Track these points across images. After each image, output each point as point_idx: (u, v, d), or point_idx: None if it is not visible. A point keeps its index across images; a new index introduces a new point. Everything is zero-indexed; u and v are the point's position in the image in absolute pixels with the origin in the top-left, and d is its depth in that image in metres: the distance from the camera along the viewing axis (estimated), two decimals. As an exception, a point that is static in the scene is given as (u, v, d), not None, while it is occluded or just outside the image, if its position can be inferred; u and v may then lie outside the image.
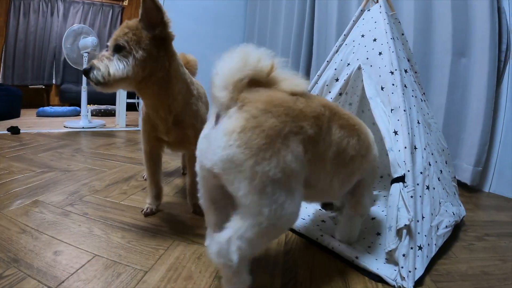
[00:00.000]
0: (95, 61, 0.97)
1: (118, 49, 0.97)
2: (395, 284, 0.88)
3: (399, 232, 0.93)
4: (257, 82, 0.69)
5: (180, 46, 3.86)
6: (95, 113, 4.85)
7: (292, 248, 1.07)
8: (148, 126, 1.16)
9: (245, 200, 0.63)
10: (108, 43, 1.00)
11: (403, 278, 0.87)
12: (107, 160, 2.10)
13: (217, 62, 0.69)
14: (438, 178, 1.21)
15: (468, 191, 1.98)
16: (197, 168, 0.74)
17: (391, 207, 0.97)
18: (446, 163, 1.40)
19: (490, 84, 1.92)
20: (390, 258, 0.96)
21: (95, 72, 0.96)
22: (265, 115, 0.64)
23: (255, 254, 0.84)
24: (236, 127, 0.62)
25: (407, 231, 0.92)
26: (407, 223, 0.91)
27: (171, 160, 2.15)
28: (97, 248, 0.99)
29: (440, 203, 1.17)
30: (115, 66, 0.96)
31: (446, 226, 1.14)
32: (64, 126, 3.54)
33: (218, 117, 0.68)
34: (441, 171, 1.28)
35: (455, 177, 1.47)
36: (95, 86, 0.99)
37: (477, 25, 1.96)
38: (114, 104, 4.11)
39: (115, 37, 0.98)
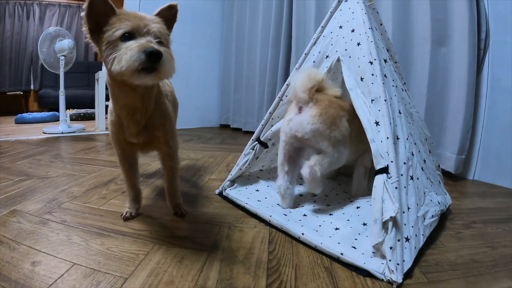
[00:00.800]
0: (155, 46, 0.84)
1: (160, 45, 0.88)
2: (383, 278, 0.86)
3: (385, 225, 0.91)
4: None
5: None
6: (75, 118, 4.74)
7: (275, 247, 1.04)
8: (117, 128, 1.09)
9: (326, 150, 1.13)
10: (143, 29, 0.87)
11: (391, 271, 0.85)
12: (87, 164, 2.04)
13: (292, 79, 1.23)
14: (422, 168, 1.20)
15: (453, 179, 1.99)
16: (283, 138, 1.24)
17: (376, 199, 0.95)
18: (429, 152, 1.40)
19: (470, 72, 1.93)
20: (377, 252, 0.93)
21: (167, 59, 0.85)
22: (329, 107, 1.14)
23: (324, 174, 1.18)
24: (317, 113, 1.13)
25: (393, 223, 0.90)
26: (393, 215, 0.88)
27: (151, 161, 2.10)
28: (76, 256, 0.94)
29: (424, 193, 1.16)
30: (173, 61, 0.89)
31: (432, 216, 1.13)
32: (43, 132, 3.45)
33: (300, 108, 1.18)
34: (424, 160, 1.27)
35: (439, 166, 1.46)
36: (152, 77, 0.86)
37: (456, 14, 1.96)
38: (94, 108, 4.02)
39: (158, 29, 0.90)
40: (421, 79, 2.12)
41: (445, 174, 1.99)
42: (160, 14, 0.98)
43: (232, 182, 1.51)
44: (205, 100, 3.94)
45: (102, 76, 3.58)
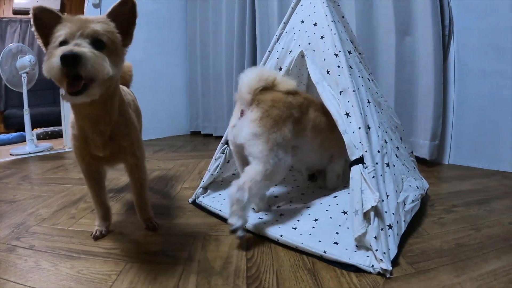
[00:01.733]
0: (76, 48, 0.75)
1: (98, 46, 0.80)
2: (372, 271, 0.83)
3: (366, 215, 0.89)
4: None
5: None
6: (42, 136, 4.56)
7: (254, 253, 0.99)
8: (80, 143, 1.02)
9: (260, 155, 1.02)
10: (76, 34, 0.79)
11: (380, 261, 0.83)
12: (55, 184, 1.94)
13: (241, 76, 1.11)
14: (396, 155, 1.20)
15: (428, 165, 1.99)
16: (231, 146, 1.22)
17: (354, 190, 0.92)
18: (401, 139, 1.40)
19: (437, 59, 1.94)
20: (360, 244, 0.90)
21: (87, 60, 0.74)
22: (273, 108, 1.05)
23: (261, 194, 1.18)
24: (257, 117, 1.04)
25: (374, 212, 0.88)
26: (374, 204, 0.87)
27: (120, 175, 2.01)
28: (45, 283, 0.87)
29: (402, 179, 1.15)
30: (105, 61, 0.80)
31: (413, 201, 1.12)
32: (10, 154, 3.29)
33: (242, 112, 1.11)
34: (397, 147, 1.27)
35: (412, 153, 1.47)
36: (69, 95, 0.77)
37: (418, 2, 1.98)
38: (61, 125, 3.87)
39: (94, 30, 0.81)
40: (388, 69, 2.12)
41: (420, 161, 1.99)
42: (113, 12, 0.91)
43: (205, 189, 1.45)
44: (174, 108, 3.86)
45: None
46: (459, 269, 0.84)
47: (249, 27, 3.00)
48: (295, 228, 1.05)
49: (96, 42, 0.80)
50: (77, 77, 0.76)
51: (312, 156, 1.27)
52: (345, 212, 1.11)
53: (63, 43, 0.78)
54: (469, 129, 1.99)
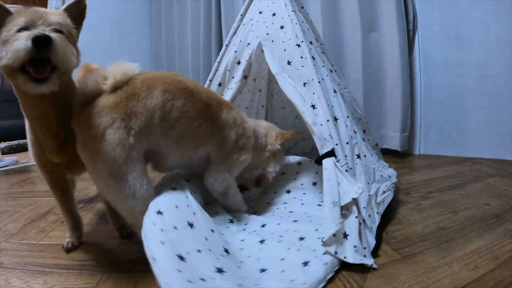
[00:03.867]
0: (47, 32, 0.71)
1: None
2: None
3: (342, 209, 0.84)
4: None
5: (83, 61, 3.56)
6: (7, 151, 4.36)
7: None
8: (37, 148, 0.95)
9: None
10: (38, 22, 0.75)
11: (364, 256, 0.80)
12: (22, 198, 1.84)
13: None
14: (364, 146, 1.17)
15: (400, 156, 2.03)
16: None
17: (330, 180, 0.87)
18: (364, 132, 1.37)
19: (402, 53, 1.99)
20: (328, 244, 0.82)
21: (58, 46, 0.71)
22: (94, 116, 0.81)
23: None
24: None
25: (356, 206, 0.85)
26: (355, 196, 0.84)
27: (90, 185, 1.93)
28: (16, 302, 0.80)
29: (374, 169, 1.12)
30: (72, 50, 0.76)
31: (384, 192, 1.10)
32: (-28, 172, 3.11)
33: None
34: (363, 139, 1.25)
35: (377, 145, 1.44)
36: (31, 82, 0.73)
37: (383, -2, 2.01)
38: (26, 138, 3.70)
39: (56, 20, 0.77)
40: (355, 65, 2.15)
41: (392, 152, 2.04)
42: (67, 10, 0.87)
43: None
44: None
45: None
46: (444, 251, 0.84)
47: (215, 27, 2.97)
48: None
49: (58, 32, 0.76)
50: (40, 64, 0.71)
51: (175, 159, 0.95)
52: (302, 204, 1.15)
53: (23, 30, 0.72)
54: (436, 119, 2.05)
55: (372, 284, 0.71)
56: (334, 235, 0.81)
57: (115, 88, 0.83)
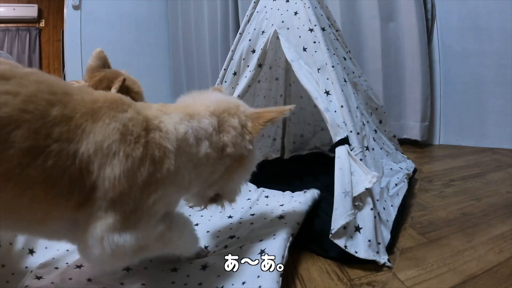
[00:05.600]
0: None
1: None
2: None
3: (356, 200, 0.80)
4: None
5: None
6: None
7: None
8: None
9: None
10: None
11: (377, 253, 0.75)
12: None
13: None
14: (373, 138, 1.15)
15: (420, 146, 2.03)
16: None
17: (343, 169, 0.82)
18: (380, 122, 1.34)
19: (422, 43, 1.98)
20: (339, 234, 0.77)
21: None
22: None
23: None
24: None
25: (370, 196, 0.81)
26: (368, 186, 0.79)
27: None
28: None
29: (382, 163, 1.10)
30: None
31: (396, 184, 1.08)
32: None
33: None
34: (375, 130, 1.23)
35: (394, 136, 1.40)
36: None
37: (401, -12, 2.00)
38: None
39: None
40: (374, 55, 2.14)
41: (412, 142, 2.04)
42: None
43: None
44: (158, 108, 3.81)
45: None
46: (469, 235, 0.85)
47: (232, 20, 2.98)
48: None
49: None
50: None
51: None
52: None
53: None
54: (456, 109, 2.04)
55: (401, 266, 0.73)
56: (344, 227, 0.76)
57: None
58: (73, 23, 3.33)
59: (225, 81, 1.29)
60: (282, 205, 1.02)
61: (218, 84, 1.32)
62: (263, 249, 0.74)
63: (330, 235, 0.76)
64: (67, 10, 3.35)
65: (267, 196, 1.13)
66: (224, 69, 1.30)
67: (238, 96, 1.21)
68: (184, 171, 0.60)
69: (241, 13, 2.86)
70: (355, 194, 0.79)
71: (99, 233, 0.52)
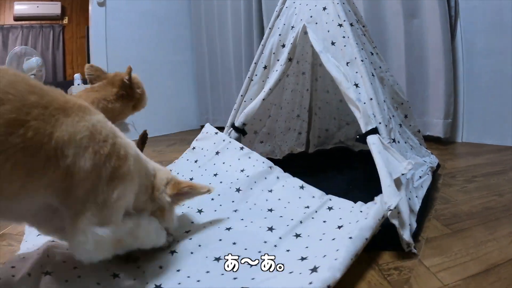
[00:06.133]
0: None
1: None
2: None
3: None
4: None
5: (126, 54, 3.68)
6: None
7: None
8: None
9: None
10: None
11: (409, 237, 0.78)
12: None
13: None
14: (399, 132, 1.18)
15: (443, 144, 2.04)
16: None
17: (381, 153, 0.87)
18: (405, 117, 1.37)
19: (445, 40, 1.98)
20: (393, 215, 0.79)
21: None
22: None
23: None
24: None
25: (405, 184, 0.87)
26: (404, 172, 0.84)
27: None
28: None
29: (407, 156, 1.12)
30: None
31: (420, 177, 1.11)
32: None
33: None
34: (400, 125, 1.26)
35: (419, 131, 1.43)
36: None
37: (424, -16, 2.01)
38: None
39: None
40: (398, 52, 2.16)
41: (435, 139, 2.05)
42: None
43: None
44: (182, 104, 3.86)
45: (75, 91, 3.51)
46: (491, 228, 0.89)
47: (255, 17, 3.02)
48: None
49: None
50: None
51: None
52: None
53: None
54: (479, 107, 2.04)
55: (426, 254, 0.77)
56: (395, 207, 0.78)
57: None
58: (98, 20, 3.42)
59: (256, 75, 1.34)
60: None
61: (248, 77, 1.36)
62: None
63: (389, 212, 0.77)
64: (92, 7, 3.45)
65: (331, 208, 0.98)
66: (255, 63, 1.35)
67: (270, 89, 1.26)
68: (136, 177, 0.69)
69: (265, 8, 2.90)
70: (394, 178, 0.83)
71: (82, 226, 0.59)
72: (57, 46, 6.46)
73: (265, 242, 0.81)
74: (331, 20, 1.12)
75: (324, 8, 1.16)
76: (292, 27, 1.26)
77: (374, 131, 0.93)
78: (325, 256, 0.69)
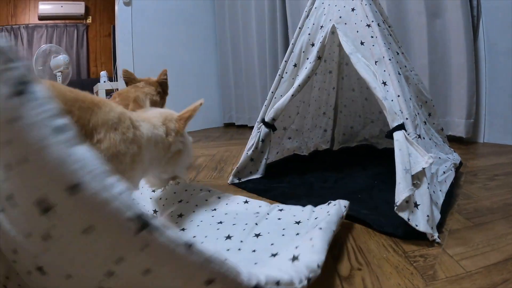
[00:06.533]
0: None
1: None
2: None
3: (414, 178, 0.88)
4: None
5: (152, 53, 3.76)
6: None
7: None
8: None
9: None
10: None
11: (431, 228, 0.83)
12: None
13: None
14: (423, 129, 1.20)
15: (465, 144, 2.05)
16: None
17: (402, 150, 0.91)
18: (429, 115, 1.40)
19: (467, 39, 2.00)
20: (403, 207, 0.85)
21: None
22: None
23: None
24: None
25: (425, 177, 0.89)
26: (425, 166, 0.88)
27: None
28: None
29: (431, 152, 1.14)
30: None
31: (444, 172, 1.16)
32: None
33: None
34: (424, 122, 1.29)
35: (442, 129, 1.46)
36: None
37: (446, -17, 2.02)
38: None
39: None
40: (421, 51, 2.18)
41: (457, 139, 2.07)
42: None
43: (243, 170, 1.45)
44: (206, 102, 3.88)
45: (101, 88, 3.63)
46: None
47: (279, 14, 3.06)
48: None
49: None
50: None
51: None
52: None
53: None
54: (501, 108, 2.04)
55: (450, 244, 0.81)
56: (406, 201, 0.85)
57: None
58: (124, 19, 3.51)
59: (286, 72, 1.39)
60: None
61: (279, 74, 1.41)
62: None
63: (395, 207, 0.84)
64: (119, 7, 3.54)
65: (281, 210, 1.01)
66: (285, 61, 1.40)
67: (299, 85, 1.31)
68: (146, 161, 0.84)
69: (289, 7, 2.95)
70: (413, 173, 0.87)
71: None
72: (81, 45, 6.65)
73: (228, 250, 0.80)
74: (360, 21, 1.16)
75: (353, 9, 1.20)
76: (321, 26, 1.31)
77: (401, 127, 0.97)
78: (297, 247, 0.69)
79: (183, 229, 0.95)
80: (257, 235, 0.85)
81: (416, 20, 2.18)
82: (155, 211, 1.07)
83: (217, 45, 3.91)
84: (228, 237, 0.86)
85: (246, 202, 1.09)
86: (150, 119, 0.91)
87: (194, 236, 0.90)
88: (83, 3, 6.55)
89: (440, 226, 0.89)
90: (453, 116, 2.11)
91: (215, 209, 1.05)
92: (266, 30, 3.18)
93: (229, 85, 3.79)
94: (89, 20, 6.70)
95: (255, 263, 0.72)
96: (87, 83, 6.36)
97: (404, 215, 0.85)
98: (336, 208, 0.87)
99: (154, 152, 0.88)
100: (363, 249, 0.82)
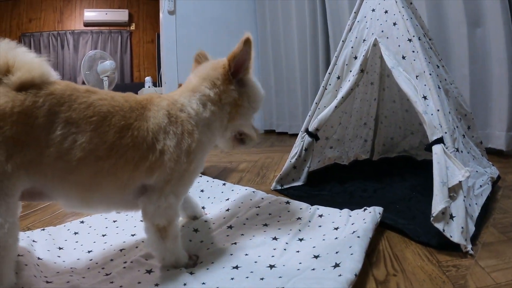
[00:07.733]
0: None
1: None
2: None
3: (450, 191, 0.92)
4: None
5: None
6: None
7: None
8: None
9: None
10: None
11: (465, 240, 0.87)
12: None
13: None
14: (462, 143, 1.22)
15: (505, 157, 2.01)
16: None
17: (440, 163, 0.95)
18: (468, 128, 1.41)
19: (508, 49, 1.97)
20: (439, 218, 0.90)
21: None
22: None
23: None
24: None
25: (462, 190, 0.92)
26: (462, 179, 0.91)
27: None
28: None
29: (469, 166, 1.17)
30: None
31: (481, 186, 1.17)
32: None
33: None
34: (463, 135, 1.30)
35: (481, 142, 1.47)
36: None
37: (486, -6, 2.00)
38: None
39: None
40: (462, 61, 2.16)
41: (497, 152, 2.04)
42: None
43: (285, 177, 1.52)
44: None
45: (146, 93, 3.81)
46: (547, 239, 0.95)
47: (321, 24, 3.10)
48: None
49: None
50: None
51: (86, 202, 0.74)
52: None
53: None
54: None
55: (482, 256, 0.84)
56: (442, 213, 0.90)
57: (22, 87, 0.63)
58: (168, 27, 3.68)
59: (330, 84, 1.45)
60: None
61: (323, 86, 1.47)
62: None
63: (432, 218, 0.91)
64: (163, 15, 3.72)
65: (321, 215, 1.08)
66: (329, 73, 1.46)
67: (342, 97, 1.37)
68: (204, 137, 0.82)
69: (329, 12, 2.99)
70: (450, 186, 0.92)
71: (154, 195, 0.75)
72: (125, 50, 6.96)
73: (274, 249, 0.89)
74: (401, 35, 1.20)
75: (394, 24, 1.23)
76: (364, 40, 1.35)
77: (440, 140, 1.00)
78: (337, 252, 0.80)
79: (230, 227, 1.05)
80: (301, 240, 0.94)
81: (457, 30, 2.17)
82: (203, 208, 1.20)
83: (259, 54, 4.01)
84: (275, 238, 0.96)
85: (287, 202, 1.19)
86: (188, 85, 0.88)
87: (242, 234, 1.00)
88: (126, 11, 6.87)
89: (474, 238, 0.93)
90: (494, 128, 2.08)
91: (259, 207, 1.16)
92: (308, 38, 3.23)
93: (270, 92, 3.87)
94: (132, 27, 7.02)
95: (300, 263, 0.80)
96: (131, 87, 6.64)
97: (439, 226, 0.90)
98: (371, 215, 0.96)
99: (206, 121, 0.83)
100: (399, 256, 0.87)
